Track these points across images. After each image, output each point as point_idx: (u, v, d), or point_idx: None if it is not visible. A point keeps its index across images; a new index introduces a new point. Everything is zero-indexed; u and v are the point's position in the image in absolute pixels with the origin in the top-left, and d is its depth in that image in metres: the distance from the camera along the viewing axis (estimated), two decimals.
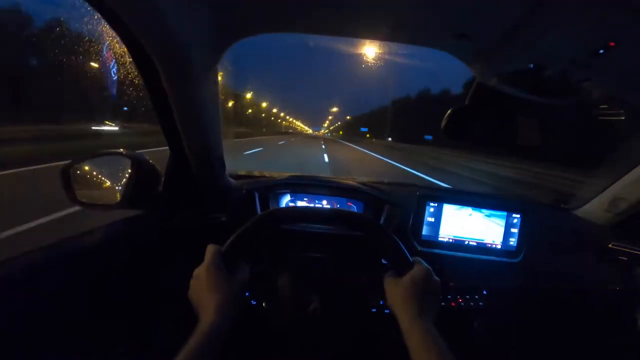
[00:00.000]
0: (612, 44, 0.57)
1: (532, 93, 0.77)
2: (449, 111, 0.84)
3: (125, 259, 0.86)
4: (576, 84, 0.74)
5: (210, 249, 0.64)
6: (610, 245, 1.09)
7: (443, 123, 0.84)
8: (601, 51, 0.58)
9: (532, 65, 0.70)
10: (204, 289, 0.60)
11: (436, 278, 0.64)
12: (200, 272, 0.62)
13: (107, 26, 0.69)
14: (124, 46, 0.73)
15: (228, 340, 0.55)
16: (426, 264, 0.65)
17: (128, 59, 0.81)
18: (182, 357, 0.50)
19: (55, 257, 0.70)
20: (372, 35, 0.79)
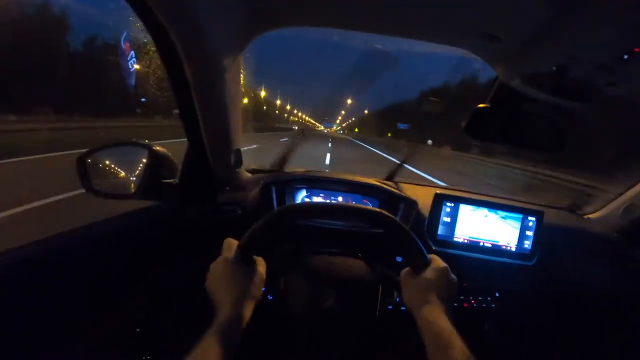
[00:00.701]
0: (637, 49, 0.56)
1: (555, 95, 0.77)
2: (470, 112, 0.84)
3: (139, 250, 0.85)
4: (600, 88, 0.74)
5: (227, 243, 0.63)
6: (624, 252, 1.08)
7: (464, 123, 0.84)
8: (626, 57, 0.58)
9: (556, 68, 0.69)
10: (221, 282, 0.59)
11: (452, 275, 0.64)
12: (217, 266, 0.61)
13: (127, 15, 0.69)
14: (141, 37, 0.73)
15: (244, 334, 0.55)
16: (443, 262, 0.65)
17: (149, 50, 0.81)
18: (198, 350, 0.50)
19: (67, 246, 0.70)
20: (399, 32, 0.79)
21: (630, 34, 0.53)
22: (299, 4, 0.70)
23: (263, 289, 0.80)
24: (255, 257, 0.65)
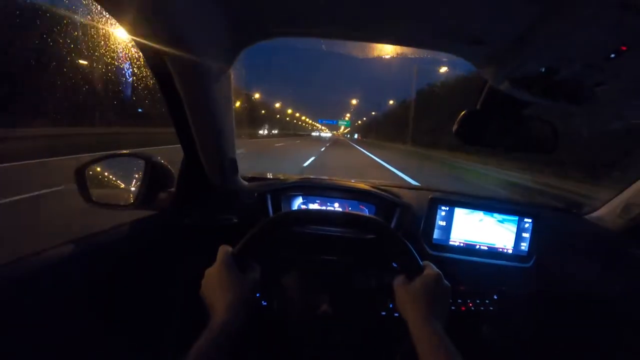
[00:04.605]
0: (623, 47, 0.56)
1: (544, 97, 0.77)
2: (460, 115, 0.84)
3: (138, 259, 0.86)
4: (589, 88, 0.74)
5: (222, 250, 0.64)
6: (622, 251, 1.07)
7: (455, 127, 0.85)
8: (612, 55, 0.58)
9: (543, 69, 0.70)
10: (215, 288, 0.60)
11: (446, 282, 0.64)
12: (212, 272, 0.62)
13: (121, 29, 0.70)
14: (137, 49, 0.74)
15: (238, 339, 0.55)
16: (436, 268, 0.65)
17: (142, 62, 0.83)
18: (192, 355, 0.50)
19: (67, 257, 0.71)
20: (385, 40, 0.80)
21: (616, 32, 0.53)
22: (285, 16, 0.71)
23: (257, 294, 0.81)
24: (250, 263, 0.66)
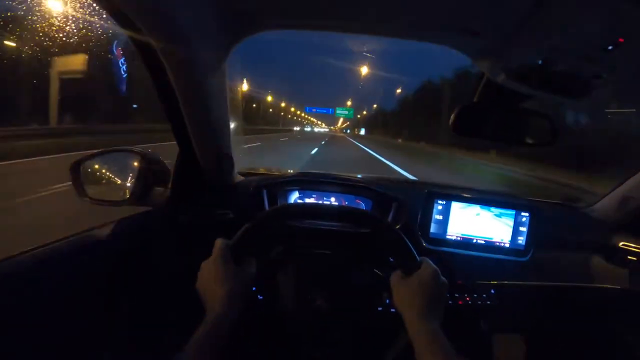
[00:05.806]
0: (621, 40, 0.56)
1: (541, 90, 0.77)
2: (457, 109, 0.84)
3: (134, 255, 0.86)
4: (586, 81, 0.73)
5: (218, 243, 0.64)
6: (620, 245, 1.07)
7: (451, 120, 0.84)
8: (610, 47, 0.58)
9: (540, 62, 0.69)
10: (211, 281, 0.60)
11: (443, 279, 0.64)
12: (208, 265, 0.62)
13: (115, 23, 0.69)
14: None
15: (234, 333, 0.55)
16: (433, 264, 0.65)
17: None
18: (188, 348, 0.51)
19: (63, 253, 0.71)
20: (379, 32, 0.79)
21: (613, 24, 0.53)
22: (280, 8, 0.71)
23: (253, 288, 0.81)
24: (245, 256, 0.66)
